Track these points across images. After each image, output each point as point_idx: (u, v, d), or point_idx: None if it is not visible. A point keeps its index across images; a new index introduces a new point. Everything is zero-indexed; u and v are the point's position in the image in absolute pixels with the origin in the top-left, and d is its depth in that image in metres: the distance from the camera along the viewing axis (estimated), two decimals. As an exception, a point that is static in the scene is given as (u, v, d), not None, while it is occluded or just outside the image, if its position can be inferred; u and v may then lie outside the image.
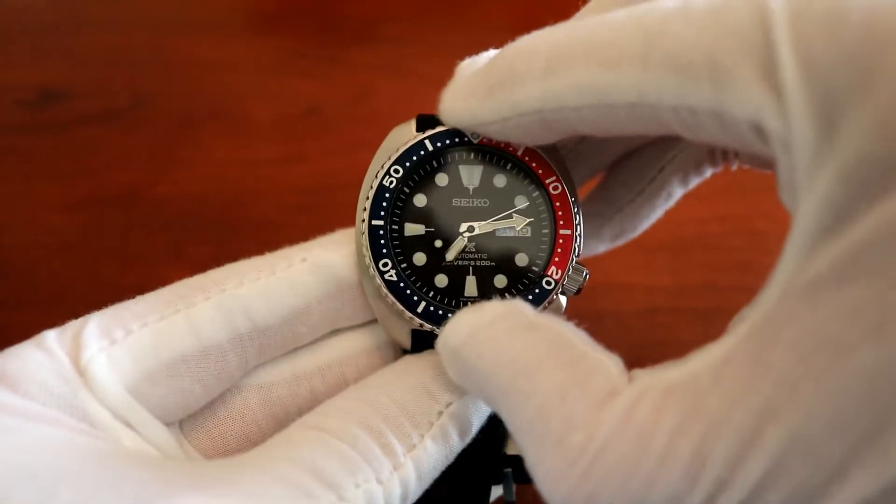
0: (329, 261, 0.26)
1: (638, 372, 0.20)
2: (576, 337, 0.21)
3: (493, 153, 0.27)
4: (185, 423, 0.26)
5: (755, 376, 0.18)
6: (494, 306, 0.23)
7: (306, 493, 0.20)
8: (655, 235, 0.43)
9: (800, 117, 0.17)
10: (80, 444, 0.21)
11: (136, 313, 0.24)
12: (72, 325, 0.24)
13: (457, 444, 0.24)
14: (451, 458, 0.24)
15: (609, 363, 0.21)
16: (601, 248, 0.32)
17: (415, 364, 0.25)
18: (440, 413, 0.24)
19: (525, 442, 0.20)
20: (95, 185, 0.46)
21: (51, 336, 0.23)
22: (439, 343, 0.23)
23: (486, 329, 0.22)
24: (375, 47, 0.53)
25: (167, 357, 0.24)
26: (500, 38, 0.59)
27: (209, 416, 0.26)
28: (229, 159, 0.47)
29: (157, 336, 0.24)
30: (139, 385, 0.23)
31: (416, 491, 0.23)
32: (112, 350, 0.23)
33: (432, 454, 0.23)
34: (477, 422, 0.25)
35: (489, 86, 0.23)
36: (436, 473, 0.24)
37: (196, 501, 0.19)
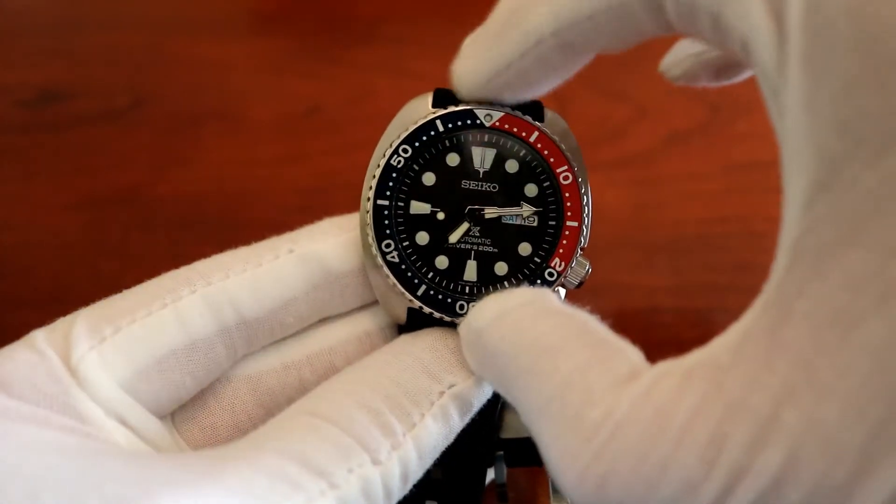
0: (316, 252, 0.26)
1: (662, 362, 0.20)
2: (599, 326, 0.21)
3: (505, 136, 0.26)
4: (177, 415, 0.26)
5: (771, 354, 0.17)
6: (521, 292, 0.23)
7: (293, 483, 0.20)
8: (655, 235, 0.43)
9: (794, 59, 0.17)
10: (67, 444, 0.21)
11: (124, 309, 0.24)
12: (60, 324, 0.24)
13: (457, 425, 0.24)
14: (451, 438, 0.24)
15: (631, 350, 0.21)
16: None
17: (413, 344, 0.25)
18: (441, 393, 0.24)
19: (541, 422, 0.20)
20: (95, 185, 0.46)
21: (40, 336, 0.23)
22: (462, 327, 0.24)
23: (511, 312, 0.22)
24: (375, 47, 0.53)
25: (157, 352, 0.24)
26: (500, 38, 0.58)
27: (200, 407, 0.26)
28: (229, 159, 0.47)
29: (145, 331, 0.24)
30: (131, 381, 0.23)
31: (416, 470, 0.23)
32: (102, 348, 0.23)
33: (433, 433, 0.23)
34: (477, 404, 0.25)
35: (496, 30, 0.24)
36: (436, 453, 0.24)
37: (179, 499, 0.18)
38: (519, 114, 0.26)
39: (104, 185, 0.46)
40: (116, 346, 0.23)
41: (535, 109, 0.27)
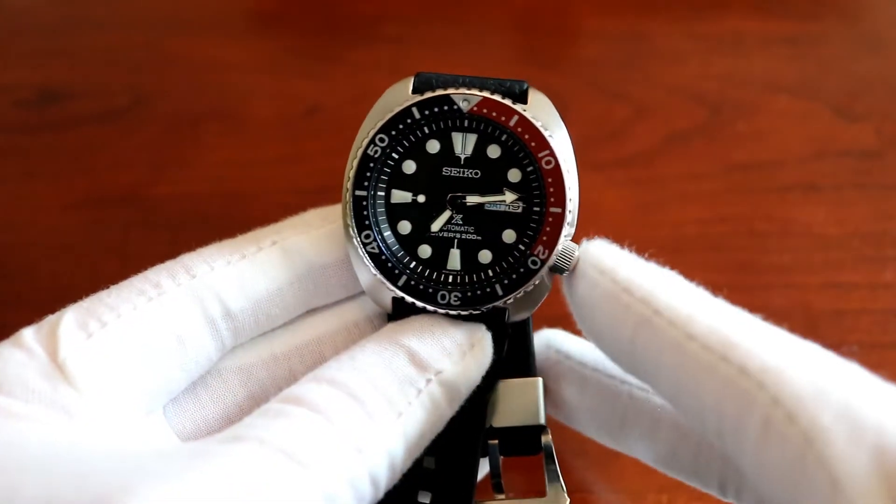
0: (298, 244, 0.26)
1: None
2: None
3: (484, 122, 0.26)
4: (168, 407, 0.26)
5: None
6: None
7: (276, 473, 0.20)
8: (655, 235, 0.43)
9: None
10: (53, 439, 0.21)
11: (110, 305, 0.24)
12: (48, 322, 0.24)
13: (446, 412, 0.24)
14: (440, 426, 0.24)
15: None
16: None
17: (400, 332, 0.25)
18: (429, 381, 0.24)
19: None
20: (95, 185, 0.46)
21: (28, 334, 0.23)
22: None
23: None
24: (375, 47, 0.53)
25: (144, 347, 0.24)
26: (499, 37, 0.59)
27: (191, 400, 0.26)
28: (229, 159, 0.47)
29: (132, 327, 0.24)
30: (119, 376, 0.24)
31: (404, 460, 0.23)
32: (89, 344, 0.23)
33: (420, 421, 0.23)
34: (466, 391, 0.25)
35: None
36: (425, 442, 0.24)
37: (156, 492, 0.18)
38: (498, 97, 0.25)
39: (104, 185, 0.46)
40: (103, 342, 0.23)
41: (518, 91, 0.26)
